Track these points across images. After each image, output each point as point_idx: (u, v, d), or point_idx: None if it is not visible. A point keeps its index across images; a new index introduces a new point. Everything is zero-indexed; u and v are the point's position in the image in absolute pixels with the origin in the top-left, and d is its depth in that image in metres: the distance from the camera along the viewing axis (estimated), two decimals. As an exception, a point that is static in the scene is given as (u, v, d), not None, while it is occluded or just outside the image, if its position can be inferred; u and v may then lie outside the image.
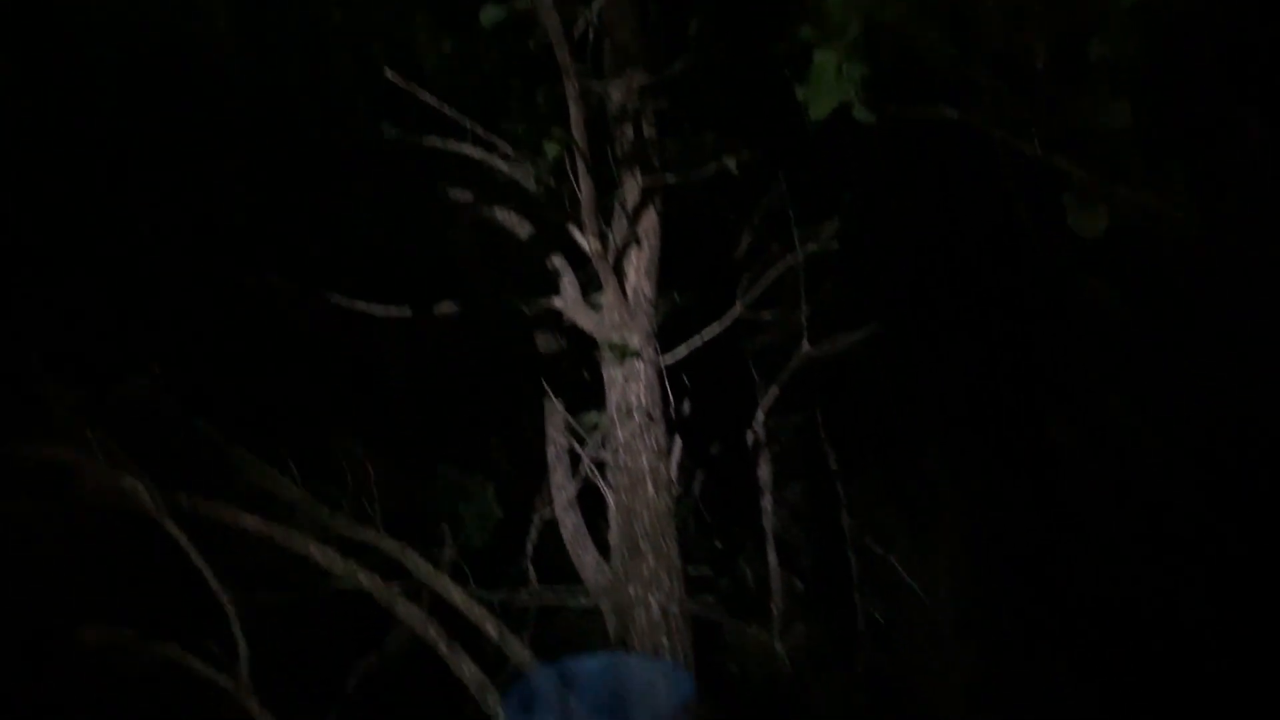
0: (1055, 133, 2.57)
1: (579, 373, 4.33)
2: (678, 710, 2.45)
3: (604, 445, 4.21)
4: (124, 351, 3.58)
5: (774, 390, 4.50)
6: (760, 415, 4.60)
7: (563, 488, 4.32)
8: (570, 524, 4.25)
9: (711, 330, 3.73)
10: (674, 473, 3.73)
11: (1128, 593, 6.37)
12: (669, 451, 3.64)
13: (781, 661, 4.94)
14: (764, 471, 4.82)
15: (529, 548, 3.79)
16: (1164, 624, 6.07)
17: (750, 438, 4.68)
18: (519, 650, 3.67)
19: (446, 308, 4.08)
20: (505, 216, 4.11)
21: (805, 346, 4.20)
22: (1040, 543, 6.61)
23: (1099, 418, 6.39)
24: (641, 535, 3.44)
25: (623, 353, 3.61)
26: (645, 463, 3.49)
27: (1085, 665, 6.42)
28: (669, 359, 3.71)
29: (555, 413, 4.41)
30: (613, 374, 3.72)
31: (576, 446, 4.34)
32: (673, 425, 3.75)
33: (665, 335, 3.82)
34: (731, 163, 3.58)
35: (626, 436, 3.59)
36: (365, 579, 3.51)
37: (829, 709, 6.02)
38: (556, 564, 4.27)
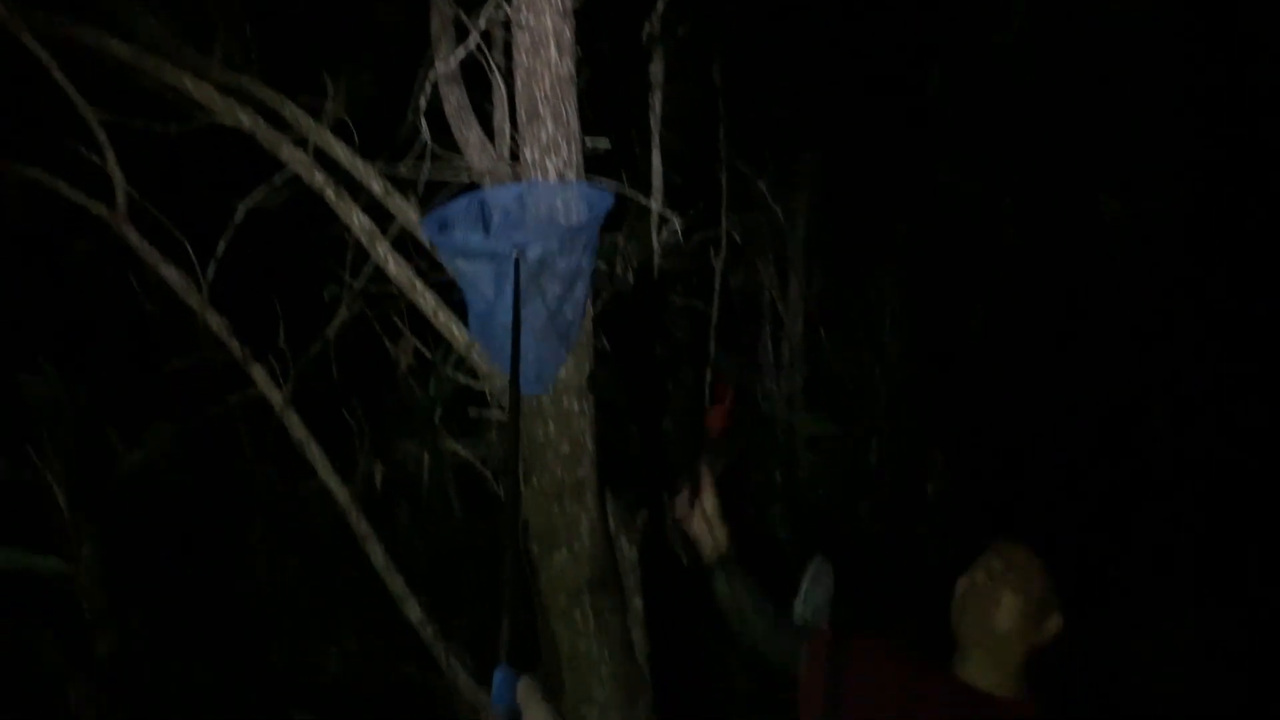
0: None
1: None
2: (594, 221, 2.52)
3: (495, 9, 4.01)
4: None
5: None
6: (660, 5, 4.43)
7: (446, 59, 4.13)
8: (454, 99, 4.10)
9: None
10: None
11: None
12: (572, 13, 3.48)
13: (651, 261, 5.13)
14: (656, 68, 4.73)
15: (420, 103, 3.65)
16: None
17: (646, 29, 4.53)
18: (404, 207, 3.68)
19: None
20: None
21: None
22: (898, 184, 6.95)
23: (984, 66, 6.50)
24: (541, 99, 3.35)
25: (531, -101, 3.34)
26: (549, 22, 3.34)
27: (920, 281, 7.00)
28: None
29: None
30: (517, -76, 3.46)
31: (463, 16, 4.11)
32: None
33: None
34: None
35: (530, -7, 3.40)
36: (246, 117, 3.35)
37: (682, 319, 6.40)
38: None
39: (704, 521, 2.47)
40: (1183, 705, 5.42)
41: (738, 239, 6.68)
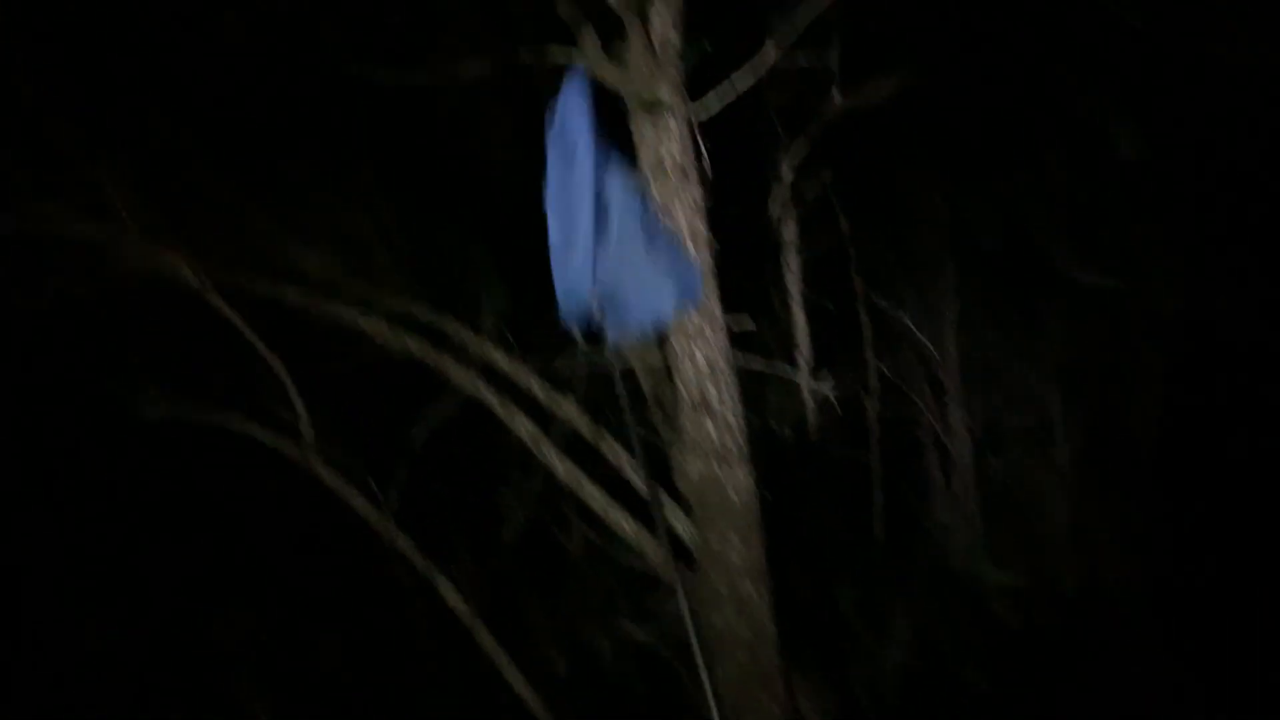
0: None
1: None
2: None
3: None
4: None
5: (802, 143, 4.39)
6: (788, 173, 4.52)
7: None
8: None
9: (744, 79, 3.58)
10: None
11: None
12: (705, 208, 3.59)
13: (806, 412, 5.10)
14: (789, 230, 4.80)
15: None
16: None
17: (776, 195, 4.62)
18: (568, 408, 3.77)
19: (466, 68, 3.89)
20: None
21: (836, 97, 4.06)
22: (1033, 294, 6.76)
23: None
24: (684, 290, 3.43)
25: (652, 107, 3.49)
26: (683, 220, 3.46)
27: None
28: (700, 112, 3.59)
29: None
30: (643, 130, 3.61)
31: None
32: (707, 181, 3.67)
33: (693, 86, 3.66)
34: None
35: (662, 195, 3.53)
36: (414, 344, 3.54)
37: (843, 463, 6.28)
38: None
39: None
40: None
41: (888, 374, 6.60)
